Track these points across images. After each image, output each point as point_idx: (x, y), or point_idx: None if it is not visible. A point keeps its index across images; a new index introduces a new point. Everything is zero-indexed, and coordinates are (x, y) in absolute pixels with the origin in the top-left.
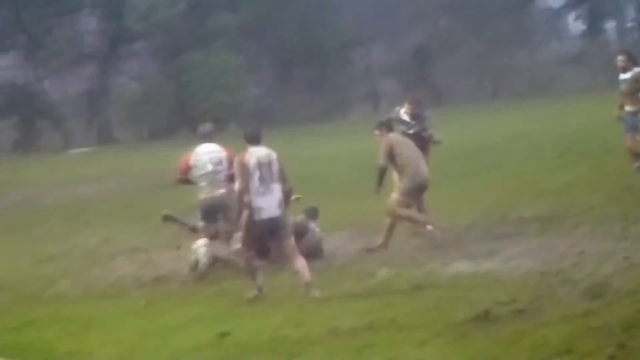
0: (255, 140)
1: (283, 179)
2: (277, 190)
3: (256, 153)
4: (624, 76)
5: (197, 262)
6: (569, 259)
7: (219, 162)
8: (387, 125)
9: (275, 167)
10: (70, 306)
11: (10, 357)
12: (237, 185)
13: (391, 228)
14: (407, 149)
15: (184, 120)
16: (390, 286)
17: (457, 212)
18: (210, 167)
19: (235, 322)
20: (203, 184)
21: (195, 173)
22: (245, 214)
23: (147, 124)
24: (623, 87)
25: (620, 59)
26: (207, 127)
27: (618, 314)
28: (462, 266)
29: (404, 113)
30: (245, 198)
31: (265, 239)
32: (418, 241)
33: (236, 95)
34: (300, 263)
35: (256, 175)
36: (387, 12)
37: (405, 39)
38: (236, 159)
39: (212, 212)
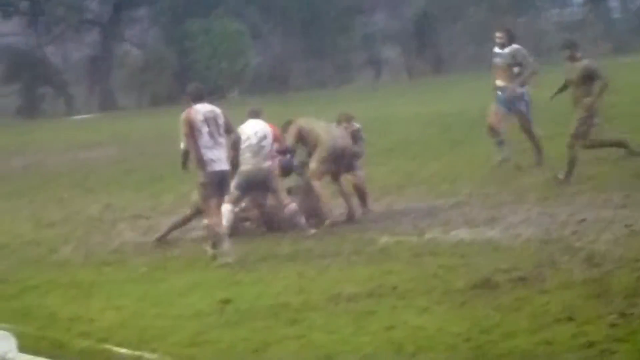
0: (199, 97)
1: (229, 130)
2: (224, 144)
3: (202, 109)
4: (499, 51)
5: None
6: (570, 226)
7: (264, 137)
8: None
9: (221, 121)
10: (71, 272)
11: (12, 323)
12: (182, 145)
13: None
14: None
15: (185, 87)
16: (391, 254)
17: (458, 180)
18: (254, 140)
19: (236, 289)
20: (247, 155)
21: (242, 144)
22: (200, 173)
23: (149, 90)
24: (499, 60)
25: (499, 35)
26: (257, 105)
27: (619, 281)
28: (462, 234)
29: None
30: (197, 154)
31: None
32: (420, 210)
33: (238, 62)
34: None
35: (204, 130)
36: None
37: (407, 6)
38: (182, 117)
39: (253, 184)
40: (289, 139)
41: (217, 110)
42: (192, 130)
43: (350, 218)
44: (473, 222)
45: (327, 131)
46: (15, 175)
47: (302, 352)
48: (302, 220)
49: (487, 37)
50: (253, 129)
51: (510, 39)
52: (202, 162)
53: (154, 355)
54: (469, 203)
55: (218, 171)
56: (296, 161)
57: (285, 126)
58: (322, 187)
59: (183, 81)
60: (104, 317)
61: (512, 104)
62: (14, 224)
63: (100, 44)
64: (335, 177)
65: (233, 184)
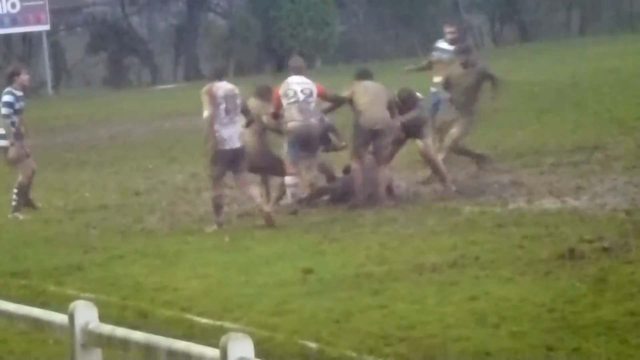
0: (220, 75)
1: (246, 111)
2: (239, 122)
3: (223, 87)
4: (447, 47)
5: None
6: None
7: (310, 94)
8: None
9: (238, 101)
10: (156, 241)
11: (97, 293)
12: (205, 114)
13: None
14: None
15: (271, 56)
16: (475, 223)
17: (543, 148)
18: (301, 96)
19: (318, 259)
20: (293, 111)
21: (285, 102)
22: (210, 145)
23: (234, 59)
24: (445, 57)
25: (450, 30)
26: (298, 59)
27: None
28: (547, 204)
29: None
30: (214, 127)
31: (225, 168)
32: (504, 180)
33: (323, 31)
34: (253, 191)
35: (222, 106)
36: None
37: None
38: (204, 90)
39: (304, 140)
40: (343, 94)
41: (237, 90)
42: (213, 103)
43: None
44: (558, 191)
45: (368, 108)
46: (101, 145)
47: (384, 322)
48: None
49: (574, 3)
50: (299, 86)
51: (461, 36)
52: (212, 138)
53: (236, 325)
54: (554, 172)
55: (228, 150)
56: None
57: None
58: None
59: (268, 50)
60: (188, 286)
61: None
62: (101, 194)
63: (185, 13)
64: (377, 155)
65: (285, 146)
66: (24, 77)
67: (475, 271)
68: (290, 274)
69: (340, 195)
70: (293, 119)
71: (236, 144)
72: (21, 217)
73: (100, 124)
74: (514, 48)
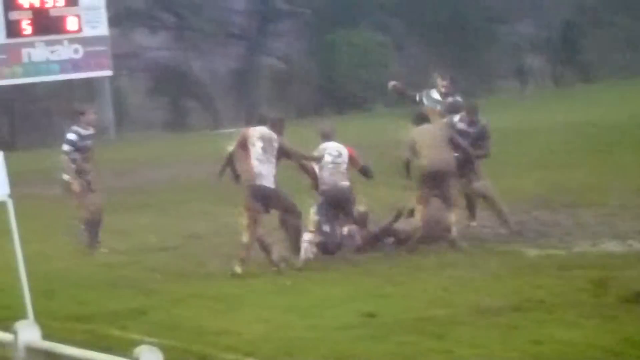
0: (262, 121)
1: (288, 153)
2: (273, 165)
3: (259, 130)
4: (439, 98)
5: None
6: None
7: (339, 155)
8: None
9: (275, 145)
10: (218, 285)
11: (160, 337)
12: (228, 148)
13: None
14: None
15: (330, 99)
16: (539, 267)
17: (606, 190)
18: (329, 158)
19: (381, 302)
20: (325, 174)
21: (318, 167)
22: (244, 179)
23: (294, 103)
24: (438, 106)
25: (444, 84)
26: (327, 125)
27: None
28: (612, 246)
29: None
30: (251, 162)
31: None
32: (568, 222)
33: (382, 74)
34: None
35: (259, 144)
36: None
37: (552, 15)
38: (241, 131)
39: (334, 202)
40: (405, 150)
41: (275, 136)
42: (243, 142)
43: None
44: (623, 234)
45: (429, 152)
46: (162, 188)
47: None
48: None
49: (635, 45)
50: (326, 149)
51: (454, 88)
52: (247, 174)
53: None
54: (618, 214)
55: (262, 185)
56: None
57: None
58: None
59: (327, 93)
60: (250, 329)
61: None
62: (163, 237)
63: (245, 57)
64: (444, 198)
65: (312, 209)
66: (90, 117)
67: (540, 315)
68: (352, 317)
69: (404, 239)
70: (323, 183)
71: (270, 183)
72: (104, 250)
73: (161, 166)
74: (575, 89)
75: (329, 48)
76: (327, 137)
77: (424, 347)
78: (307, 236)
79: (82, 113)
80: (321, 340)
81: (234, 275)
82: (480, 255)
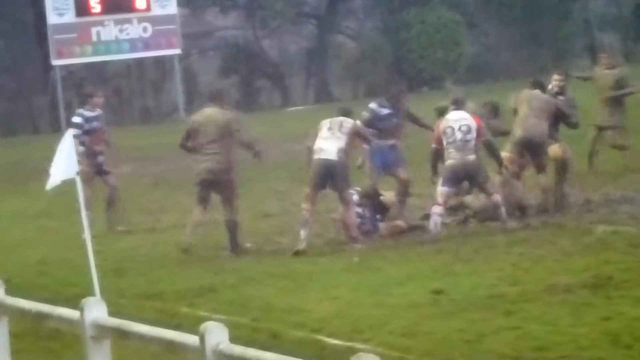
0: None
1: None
2: (340, 140)
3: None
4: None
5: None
6: None
7: (468, 131)
8: None
9: (347, 124)
10: (287, 263)
11: (228, 314)
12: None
13: None
14: None
15: (401, 78)
16: (608, 244)
17: None
18: (459, 136)
19: (449, 279)
20: (451, 150)
21: (445, 140)
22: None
23: (364, 82)
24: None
25: (559, 78)
26: (459, 92)
27: None
28: None
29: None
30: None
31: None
32: (638, 199)
33: (453, 52)
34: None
35: (325, 126)
36: None
37: None
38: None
39: (459, 177)
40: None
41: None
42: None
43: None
44: None
45: (522, 119)
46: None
47: (517, 344)
48: (503, 212)
49: None
50: (457, 123)
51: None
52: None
53: (366, 346)
54: None
55: (323, 159)
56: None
57: (486, 106)
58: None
59: (398, 71)
60: (319, 307)
61: None
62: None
63: (316, 36)
64: (522, 168)
65: (440, 181)
66: (99, 100)
67: (609, 291)
68: (421, 294)
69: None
70: (451, 157)
71: (332, 156)
72: (122, 228)
73: None
74: None
75: (400, 26)
76: (458, 104)
77: (494, 324)
78: (436, 209)
79: (91, 95)
80: (389, 317)
81: (297, 253)
82: (550, 231)
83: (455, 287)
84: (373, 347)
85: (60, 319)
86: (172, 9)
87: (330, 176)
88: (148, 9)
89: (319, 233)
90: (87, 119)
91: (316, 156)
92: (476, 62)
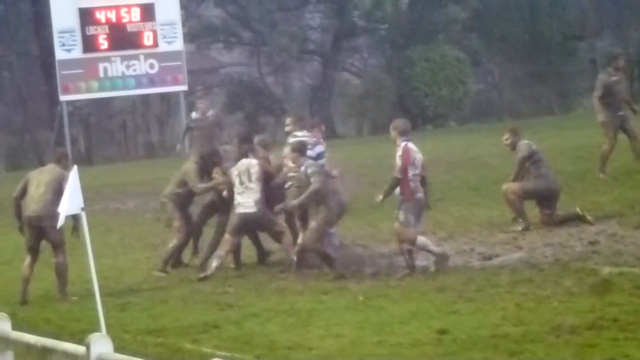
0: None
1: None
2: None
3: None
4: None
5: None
6: None
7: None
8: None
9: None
10: (290, 300)
11: (232, 350)
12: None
13: None
14: None
15: (405, 115)
16: (614, 285)
17: None
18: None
19: (453, 319)
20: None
21: (411, 172)
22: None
23: (368, 119)
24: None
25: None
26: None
27: None
28: None
29: None
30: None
31: None
32: None
33: (458, 90)
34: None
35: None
36: (612, 4)
37: (632, 30)
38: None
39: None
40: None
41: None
42: None
43: None
44: None
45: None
46: None
47: None
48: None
49: None
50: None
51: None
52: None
53: None
54: None
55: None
56: None
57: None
58: None
59: (402, 109)
60: (322, 345)
61: None
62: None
63: (320, 73)
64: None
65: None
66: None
67: (614, 333)
68: (424, 334)
69: None
70: (418, 190)
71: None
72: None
73: None
74: None
75: (405, 63)
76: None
77: None
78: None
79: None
80: (393, 356)
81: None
82: (555, 272)
83: (458, 326)
84: None
85: (66, 354)
86: (179, 45)
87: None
88: (155, 45)
89: (321, 271)
90: None
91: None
92: (481, 101)
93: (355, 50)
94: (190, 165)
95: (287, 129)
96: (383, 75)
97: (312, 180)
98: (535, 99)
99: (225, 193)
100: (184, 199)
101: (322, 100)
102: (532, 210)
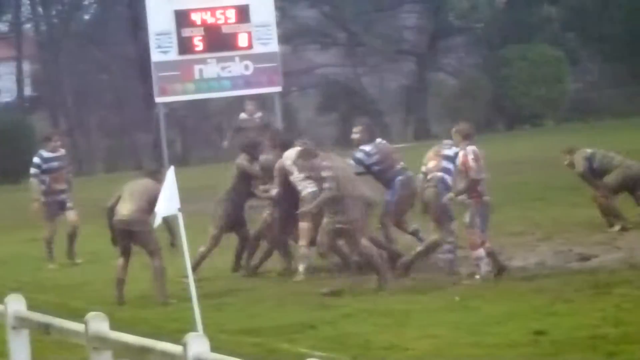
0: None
1: None
2: None
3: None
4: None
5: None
6: None
7: None
8: None
9: None
10: (386, 300)
11: (328, 351)
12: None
13: None
14: None
15: (501, 115)
16: None
17: None
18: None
19: (551, 320)
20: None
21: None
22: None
23: (464, 118)
24: None
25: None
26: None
27: None
28: None
29: None
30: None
31: None
32: None
33: (555, 89)
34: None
35: None
36: None
37: None
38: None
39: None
40: None
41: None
42: None
43: None
44: None
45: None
46: None
47: None
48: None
49: None
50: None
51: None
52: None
53: None
54: None
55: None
56: None
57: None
58: None
59: (498, 109)
60: (418, 345)
61: None
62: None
63: (415, 73)
64: None
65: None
66: (55, 144)
67: None
68: (521, 335)
69: None
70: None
71: None
72: (51, 266)
73: None
74: None
75: (501, 63)
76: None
77: None
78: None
79: (49, 139)
80: (489, 357)
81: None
82: None
83: (556, 327)
84: None
85: (163, 353)
86: (274, 47)
87: None
88: (250, 47)
89: (419, 269)
90: (46, 159)
91: None
92: (579, 100)
93: (451, 50)
94: (240, 161)
95: (354, 136)
96: (479, 75)
97: (325, 186)
98: (635, 98)
99: (274, 192)
100: (243, 197)
101: (417, 101)
102: (630, 210)
